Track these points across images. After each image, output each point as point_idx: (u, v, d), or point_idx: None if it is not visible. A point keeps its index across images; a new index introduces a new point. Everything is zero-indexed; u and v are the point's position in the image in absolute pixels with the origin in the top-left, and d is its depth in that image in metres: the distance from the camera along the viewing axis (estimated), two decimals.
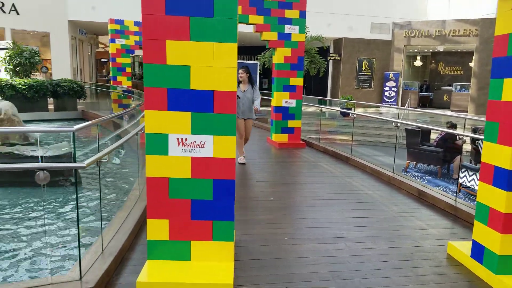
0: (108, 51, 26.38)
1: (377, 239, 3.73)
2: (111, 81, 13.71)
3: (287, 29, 7.86)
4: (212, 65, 2.67)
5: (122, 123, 6.47)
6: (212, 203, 2.82)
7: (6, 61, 13.05)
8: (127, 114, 5.95)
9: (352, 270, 3.09)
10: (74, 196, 4.81)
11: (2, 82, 11.84)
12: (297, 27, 7.92)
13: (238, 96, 6.33)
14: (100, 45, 27.17)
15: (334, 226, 4.01)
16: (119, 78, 13.35)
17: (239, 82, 6.63)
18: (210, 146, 2.75)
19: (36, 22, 16.79)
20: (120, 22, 12.95)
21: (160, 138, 2.73)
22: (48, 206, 4.77)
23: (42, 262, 3.47)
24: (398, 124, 6.61)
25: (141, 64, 25.36)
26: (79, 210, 4.21)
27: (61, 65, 17.69)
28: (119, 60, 13.27)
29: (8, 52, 13.03)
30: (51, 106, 13.29)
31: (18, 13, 16.51)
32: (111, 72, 13.72)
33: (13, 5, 16.36)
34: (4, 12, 16.25)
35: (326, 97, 21.32)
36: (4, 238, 3.89)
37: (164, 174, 2.77)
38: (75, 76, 18.82)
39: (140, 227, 3.69)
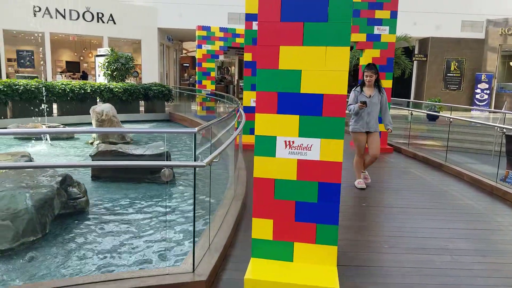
0: (191, 56, 27.82)
1: (486, 253, 3.47)
2: (196, 85, 14.38)
3: (376, 30, 7.64)
4: (323, 68, 2.69)
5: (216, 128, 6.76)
6: (317, 206, 2.82)
7: (105, 67, 14.32)
8: (219, 116, 6.19)
9: (462, 285, 2.91)
10: (168, 192, 5.18)
11: (101, 86, 13.00)
12: (387, 28, 7.66)
13: (362, 102, 5.03)
14: (183, 51, 28.68)
15: (436, 236, 3.80)
16: (204, 82, 13.97)
17: (361, 85, 5.30)
18: (317, 149, 2.76)
19: (129, 30, 18.22)
20: (207, 28, 13.55)
21: (268, 140, 2.81)
22: (148, 202, 5.13)
23: (148, 253, 3.73)
24: (504, 130, 6.08)
25: (219, 68, 26.28)
26: (167, 207, 4.45)
27: (150, 70, 18.99)
28: (204, 65, 13.89)
29: (107, 59, 14.28)
30: (141, 108, 14.31)
31: (114, 23, 18.03)
32: (196, 76, 14.40)
33: (110, 15, 17.92)
34: (103, 22, 17.86)
35: (409, 99, 20.32)
36: (119, 231, 4.25)
37: (270, 175, 2.84)
38: (161, 80, 20.07)
39: (237, 225, 3.82)
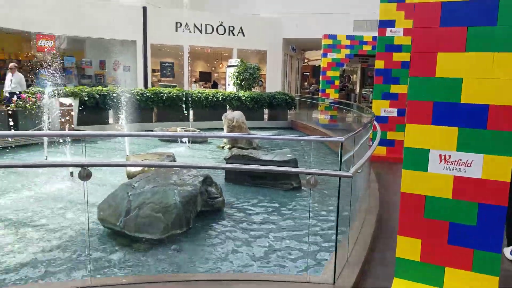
0: (311, 65, 28.05)
1: None
2: (320, 93, 14.39)
3: None
4: (489, 76, 2.42)
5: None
6: (476, 230, 2.54)
7: (234, 77, 15.26)
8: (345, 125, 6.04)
9: None
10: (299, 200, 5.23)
11: (231, 95, 13.87)
12: None
13: None
14: (305, 60, 29.07)
15: None
16: (327, 91, 13.92)
17: None
18: (479, 165, 2.48)
19: (256, 41, 19.16)
20: (333, 37, 13.51)
21: (420, 153, 2.63)
22: (278, 207, 5.26)
23: (278, 258, 3.79)
24: None
25: (340, 76, 25.83)
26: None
27: (274, 79, 19.66)
28: (329, 73, 13.84)
29: (237, 69, 15.21)
30: (265, 116, 14.85)
31: (244, 35, 19.16)
32: (320, 85, 14.43)
33: (240, 28, 19.09)
34: (233, 34, 19.12)
35: None
36: (252, 233, 4.44)
37: (421, 191, 2.65)
38: (283, 88, 20.61)
39: (373, 240, 3.66)
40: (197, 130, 10.87)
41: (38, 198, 5.28)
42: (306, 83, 29.35)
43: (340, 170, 2.63)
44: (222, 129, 10.48)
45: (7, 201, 5.09)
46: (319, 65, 20.05)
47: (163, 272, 3.44)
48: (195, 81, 23.66)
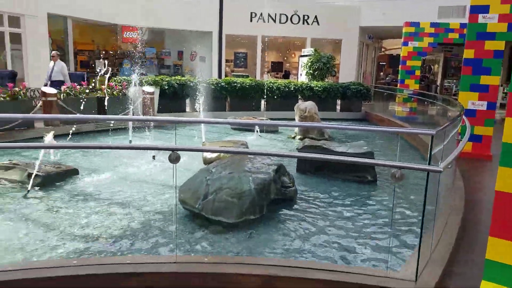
0: (388, 54, 26.76)
1: None
2: (398, 84, 13.73)
3: None
4: None
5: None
6: None
7: (307, 66, 15.09)
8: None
9: None
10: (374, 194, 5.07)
11: (303, 85, 13.76)
12: None
13: None
14: (382, 49, 27.83)
15: None
16: (406, 81, 13.23)
17: None
18: None
19: (331, 30, 18.73)
20: (415, 24, 12.75)
21: None
22: (351, 200, 5.15)
23: (354, 251, 3.71)
24: None
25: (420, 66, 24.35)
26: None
27: (348, 69, 19.11)
28: (409, 63, 13.13)
29: (310, 59, 15.02)
30: (337, 107, 14.53)
31: (318, 24, 18.82)
32: (399, 75, 13.75)
33: (315, 17, 18.77)
34: (308, 23, 18.87)
35: None
36: (323, 223, 4.41)
37: None
38: (357, 79, 19.96)
39: (458, 240, 3.43)
40: (269, 119, 10.96)
41: (125, 178, 5.70)
42: (382, 73, 28.16)
43: (429, 164, 2.49)
44: (293, 119, 10.45)
45: (98, 180, 5.57)
46: (398, 55, 19.12)
47: (237, 254, 3.55)
48: (267, 71, 23.83)
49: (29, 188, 4.87)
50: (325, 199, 5.14)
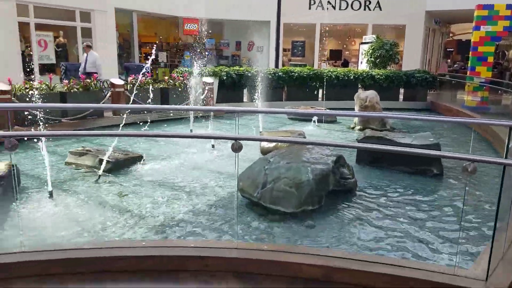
0: (456, 40, 25.06)
1: None
2: (468, 72, 12.84)
3: None
4: None
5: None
6: None
7: (368, 54, 14.58)
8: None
9: None
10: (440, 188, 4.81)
11: (363, 73, 13.32)
12: None
13: None
14: (450, 34, 26.13)
15: None
16: (477, 69, 12.33)
17: None
18: None
19: (394, 16, 17.88)
20: (489, 7, 11.80)
21: None
22: (414, 193, 4.93)
23: (414, 245, 3.56)
24: None
25: (503, 53, 22.51)
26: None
27: (412, 56, 18.18)
28: (481, 48, 12.22)
29: (372, 46, 14.48)
30: (400, 96, 13.90)
31: (380, 9, 18.06)
32: (469, 62, 12.86)
33: (377, 2, 18.02)
34: (369, 9, 18.18)
35: None
36: (384, 216, 4.27)
37: None
38: (422, 66, 18.93)
39: None
40: (327, 109, 10.77)
41: (186, 166, 5.91)
42: (449, 60, 26.47)
43: (505, 157, 2.31)
44: (353, 109, 10.17)
45: (161, 167, 5.82)
46: (468, 40, 17.85)
47: (295, 243, 3.55)
48: (324, 60, 23.35)
49: (100, 173, 5.21)
50: (387, 192, 4.97)
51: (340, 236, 3.75)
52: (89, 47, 11.38)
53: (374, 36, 15.12)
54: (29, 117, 5.70)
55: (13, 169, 2.96)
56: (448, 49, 26.65)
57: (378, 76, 13.02)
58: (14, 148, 2.53)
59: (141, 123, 7.76)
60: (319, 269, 2.47)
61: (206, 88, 10.22)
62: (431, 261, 3.28)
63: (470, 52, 12.56)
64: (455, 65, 22.35)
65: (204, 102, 10.05)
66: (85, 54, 11.38)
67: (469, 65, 12.81)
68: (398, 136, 6.38)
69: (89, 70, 10.98)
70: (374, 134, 6.52)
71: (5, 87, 7.05)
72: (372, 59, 14.34)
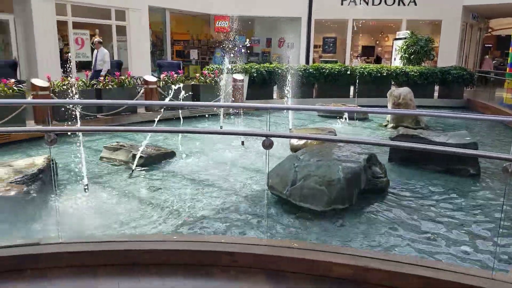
0: (495, 35, 23.97)
1: None
2: (507, 68, 12.29)
3: None
4: None
5: None
6: None
7: (402, 50, 14.20)
8: None
9: None
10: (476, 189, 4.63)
11: (397, 70, 12.99)
12: None
13: None
14: (489, 30, 25.05)
15: None
16: None
17: None
18: None
19: (430, 11, 17.30)
20: None
21: None
22: (448, 193, 4.77)
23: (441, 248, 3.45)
24: None
25: None
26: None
27: (448, 52, 17.54)
28: None
29: (406, 42, 14.10)
30: (435, 93, 13.46)
31: (415, 4, 17.52)
32: (509, 58, 12.29)
33: None
34: (403, 4, 17.68)
35: None
36: (419, 217, 4.16)
37: None
38: (459, 63, 18.24)
39: None
40: (358, 107, 10.58)
41: (216, 161, 5.96)
42: (487, 56, 25.39)
43: None
44: (385, 106, 9.95)
45: (192, 162, 5.90)
46: (508, 35, 17.05)
47: (324, 242, 3.52)
48: (356, 56, 22.92)
49: (133, 168, 5.34)
50: (421, 192, 4.84)
51: (371, 236, 3.68)
52: (100, 43, 10.88)
53: (408, 31, 14.70)
54: (67, 112, 5.91)
55: (52, 163, 3.09)
56: (486, 45, 25.57)
57: (412, 73, 12.67)
58: (53, 142, 2.62)
59: (175, 119, 7.91)
60: (350, 269, 2.43)
61: (236, 84, 10.26)
62: (467, 264, 3.17)
63: (510, 48, 11.98)
64: (494, 61, 21.42)
65: (234, 99, 10.10)
66: (96, 51, 10.89)
67: (508, 61, 12.22)
68: (433, 135, 6.19)
69: (99, 67, 10.66)
70: (407, 132, 6.36)
71: (44, 83, 7.34)
72: (406, 55, 13.96)
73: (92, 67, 10.93)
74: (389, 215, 4.14)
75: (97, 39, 11.22)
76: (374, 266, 2.38)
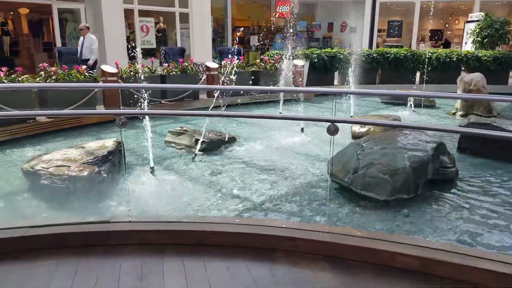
0: None
1: None
2: None
3: None
4: None
5: None
6: None
7: (475, 33, 13.21)
8: None
9: None
10: None
11: (468, 54, 12.13)
12: None
13: None
14: None
15: None
16: None
17: None
18: None
19: None
20: None
21: None
22: None
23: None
24: None
25: None
26: None
27: None
28: None
29: (479, 24, 13.09)
30: (510, 80, 12.43)
31: None
32: None
33: None
34: None
35: None
36: (488, 210, 3.91)
37: None
38: None
39: None
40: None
41: (276, 148, 5.99)
42: None
43: None
44: (455, 93, 9.34)
45: (253, 148, 5.97)
46: None
47: (387, 232, 3.42)
48: (422, 40, 21.67)
49: (196, 152, 5.52)
50: (492, 184, 4.53)
51: (437, 227, 3.52)
52: (87, 28, 9.68)
53: (482, 13, 13.62)
54: (134, 97, 6.21)
55: (122, 146, 3.26)
56: None
57: (485, 58, 11.78)
58: (124, 125, 2.77)
59: (239, 103, 8.02)
60: (416, 260, 2.35)
61: (297, 70, 10.16)
62: None
63: None
64: None
65: (294, 85, 10.02)
66: (81, 38, 9.64)
67: None
68: (507, 123, 5.73)
69: (85, 56, 9.49)
70: (479, 120, 5.95)
71: (113, 70, 7.75)
72: (479, 39, 12.98)
73: (78, 55, 9.60)
74: (456, 206, 3.93)
75: (83, 23, 10.08)
76: (443, 258, 2.28)
